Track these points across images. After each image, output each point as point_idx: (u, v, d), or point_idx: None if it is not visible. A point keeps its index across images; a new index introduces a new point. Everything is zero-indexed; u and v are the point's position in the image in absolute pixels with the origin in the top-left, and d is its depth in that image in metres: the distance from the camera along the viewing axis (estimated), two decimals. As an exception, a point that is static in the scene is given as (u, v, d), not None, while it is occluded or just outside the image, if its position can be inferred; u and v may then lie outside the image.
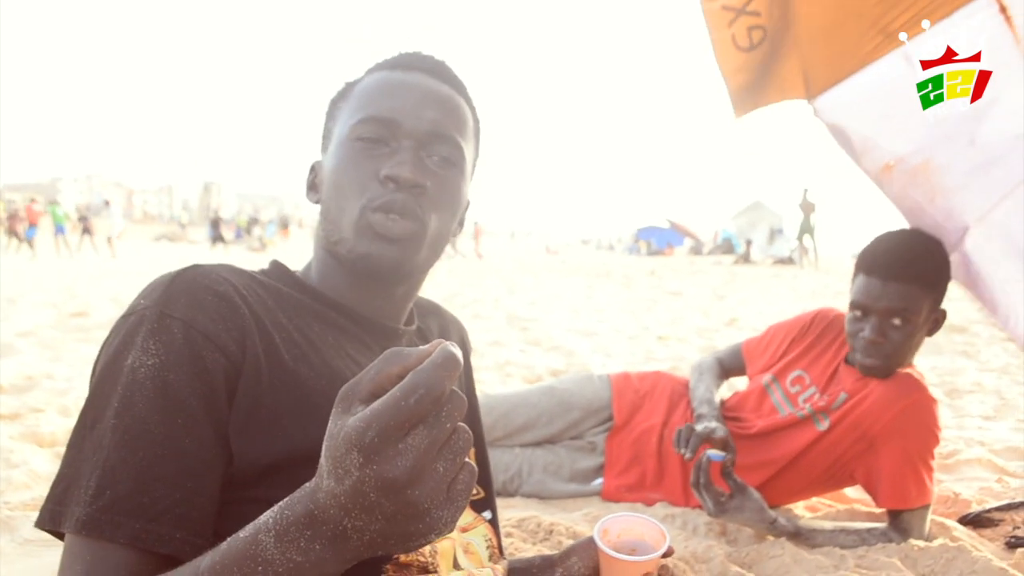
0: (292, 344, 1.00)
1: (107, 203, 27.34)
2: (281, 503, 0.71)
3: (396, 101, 1.10)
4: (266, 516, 0.71)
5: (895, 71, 2.08)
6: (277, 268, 1.15)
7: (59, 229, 23.32)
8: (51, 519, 0.86)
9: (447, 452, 0.64)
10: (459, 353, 0.64)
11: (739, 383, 2.68)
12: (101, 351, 0.94)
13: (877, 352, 2.11)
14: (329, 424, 0.66)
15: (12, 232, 23.02)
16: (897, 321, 2.07)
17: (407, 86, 1.12)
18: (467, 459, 0.66)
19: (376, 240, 1.06)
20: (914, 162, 2.22)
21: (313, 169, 1.21)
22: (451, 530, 0.67)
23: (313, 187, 1.20)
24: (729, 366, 2.69)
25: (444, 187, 1.11)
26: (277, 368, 0.96)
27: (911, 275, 2.05)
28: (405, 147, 1.08)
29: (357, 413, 0.63)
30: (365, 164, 1.08)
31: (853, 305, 2.15)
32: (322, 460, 0.66)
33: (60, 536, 0.89)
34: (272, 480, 0.93)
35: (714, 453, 1.99)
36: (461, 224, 1.24)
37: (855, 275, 2.17)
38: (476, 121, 1.21)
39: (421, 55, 1.17)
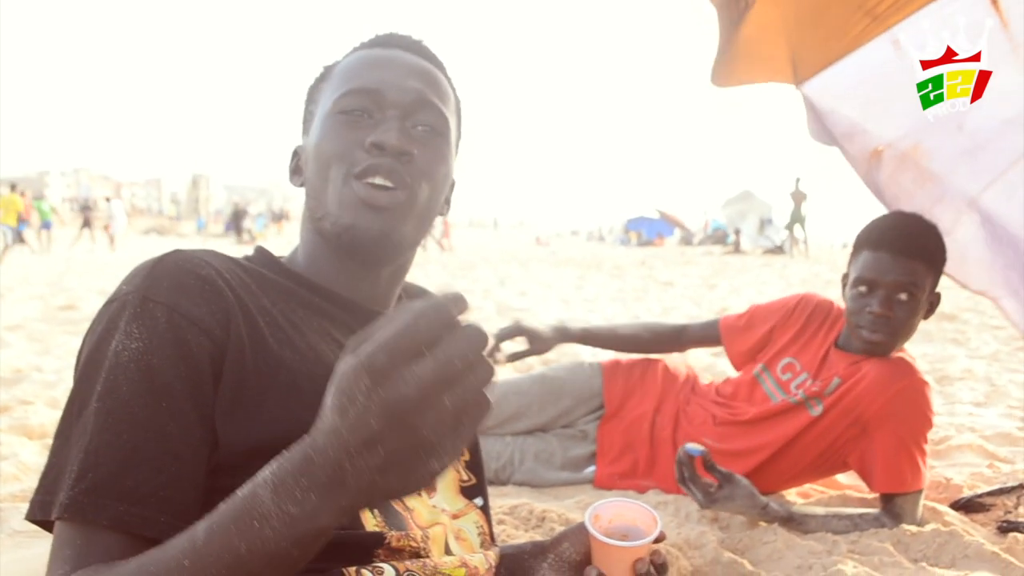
0: (276, 328, 0.99)
1: (108, 200, 27.12)
2: (278, 457, 0.70)
3: (379, 73, 1.09)
4: (264, 470, 0.71)
5: (883, 55, 2.08)
6: (262, 254, 1.14)
7: (45, 224, 23.05)
8: (41, 509, 0.85)
9: (457, 385, 0.63)
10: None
11: (726, 368, 2.67)
12: (85, 339, 0.93)
13: (884, 327, 2.10)
14: (338, 365, 0.66)
15: (87, 225, 22.90)
16: (904, 296, 2.07)
17: (389, 60, 1.11)
18: (485, 393, 0.65)
19: (362, 209, 1.04)
20: (903, 147, 2.22)
21: (296, 154, 1.19)
22: (453, 461, 0.66)
23: (297, 171, 1.18)
24: (697, 335, 2.70)
25: (432, 155, 1.09)
26: (262, 351, 0.95)
27: (917, 250, 2.06)
28: (390, 116, 1.07)
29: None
30: (349, 135, 1.06)
31: (858, 281, 2.13)
32: (326, 400, 0.66)
33: (50, 528, 0.88)
34: (257, 467, 0.91)
35: (692, 447, 1.99)
36: (448, 203, 1.22)
37: (857, 254, 2.16)
38: (457, 99, 1.20)
39: (399, 34, 1.16)
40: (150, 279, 0.92)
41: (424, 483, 0.66)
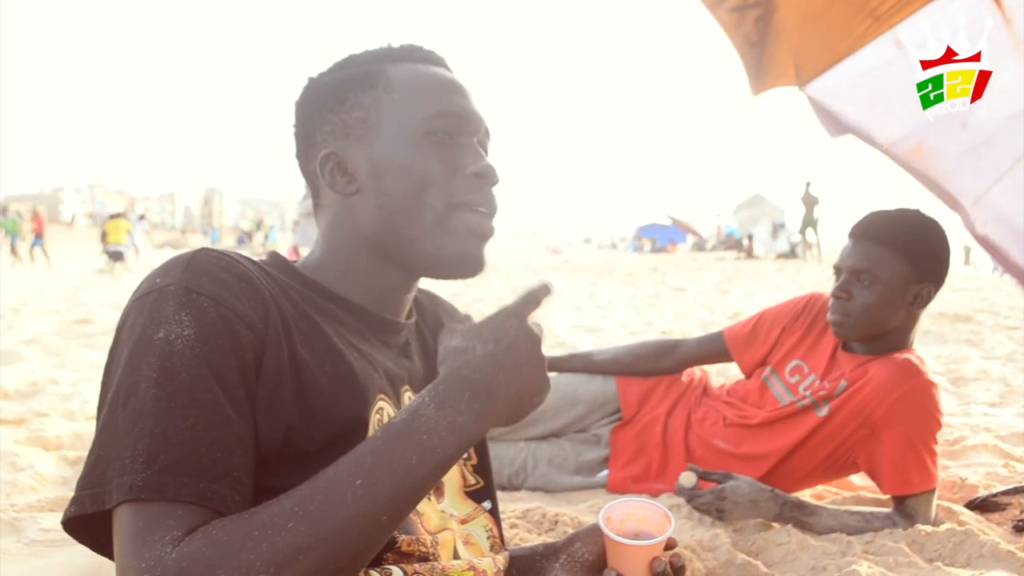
0: (299, 328, 1.00)
1: (139, 217, 27.10)
2: (422, 392, 0.91)
3: (457, 97, 1.11)
4: (414, 400, 0.90)
5: (885, 55, 2.08)
6: (276, 259, 1.13)
7: (14, 239, 22.06)
8: (93, 502, 0.83)
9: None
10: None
11: (738, 372, 2.66)
12: (121, 333, 0.92)
13: (840, 308, 2.18)
14: (467, 326, 0.96)
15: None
16: (865, 280, 2.13)
17: (453, 83, 1.13)
18: None
19: (471, 239, 1.09)
20: (907, 146, 2.22)
21: (329, 159, 1.11)
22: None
23: (345, 177, 1.10)
24: (694, 353, 2.67)
25: None
26: (290, 349, 0.96)
27: (879, 236, 2.12)
28: (476, 143, 1.11)
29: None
30: (444, 159, 1.08)
31: (834, 269, 2.23)
32: (470, 336, 0.93)
33: (84, 534, 0.89)
34: (280, 467, 0.93)
35: (684, 480, 2.12)
36: None
37: None
38: None
39: (434, 52, 1.17)
40: (189, 272, 0.92)
41: (533, 408, 0.96)
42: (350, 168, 1.10)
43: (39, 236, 22.40)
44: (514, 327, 0.93)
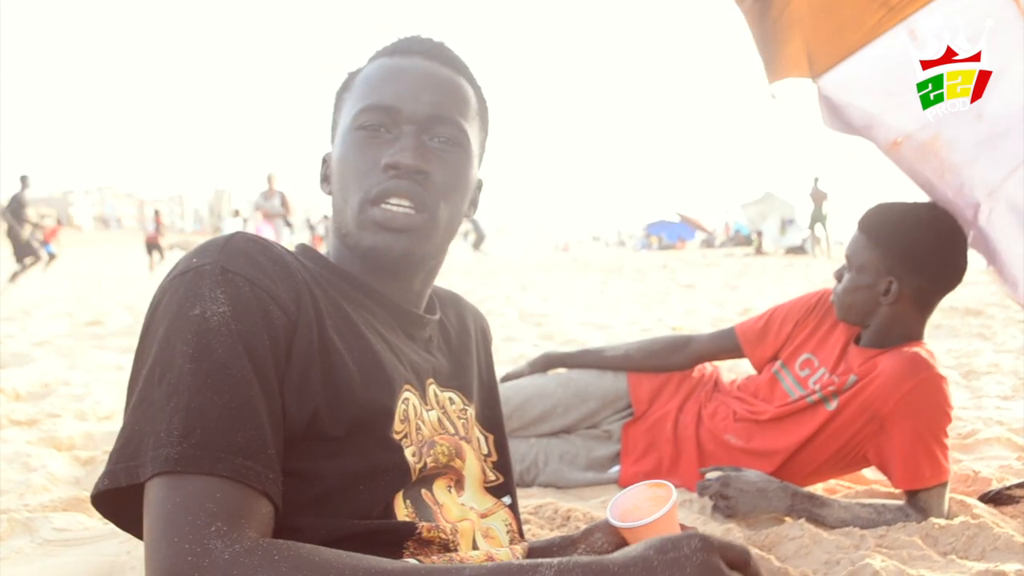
0: (329, 314, 1.00)
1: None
2: (572, 556, 0.84)
3: (395, 87, 1.09)
4: (553, 559, 0.81)
5: (899, 46, 2.07)
6: (305, 250, 1.15)
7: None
8: (127, 474, 0.83)
9: None
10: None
11: (749, 367, 2.65)
12: (156, 310, 0.93)
13: (833, 291, 2.32)
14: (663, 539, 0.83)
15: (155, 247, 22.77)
16: (846, 266, 2.25)
17: (406, 71, 1.11)
18: None
19: (380, 231, 1.06)
20: (922, 138, 2.21)
21: (324, 161, 1.20)
22: None
23: (326, 179, 1.19)
24: (706, 348, 2.66)
25: (449, 170, 1.10)
26: (321, 333, 0.97)
27: (862, 224, 2.20)
28: (407, 132, 1.08)
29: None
30: (367, 154, 1.08)
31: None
32: (639, 548, 0.81)
33: (112, 511, 0.89)
34: (305, 450, 0.94)
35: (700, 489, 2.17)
36: (474, 205, 1.23)
37: None
38: (481, 100, 1.21)
39: (419, 39, 1.16)
40: (225, 253, 0.93)
41: None
42: (329, 169, 1.17)
43: (47, 243, 22.41)
44: (694, 550, 0.80)
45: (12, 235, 12.46)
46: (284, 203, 14.17)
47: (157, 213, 21.38)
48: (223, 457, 0.81)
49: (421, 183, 1.06)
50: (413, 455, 1.03)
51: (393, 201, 1.05)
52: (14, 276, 12.19)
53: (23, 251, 12.47)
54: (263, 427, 0.86)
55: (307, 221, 21.48)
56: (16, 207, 12.60)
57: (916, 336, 2.21)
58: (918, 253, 2.12)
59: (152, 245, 21.04)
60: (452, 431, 1.16)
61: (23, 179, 12.87)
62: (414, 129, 1.08)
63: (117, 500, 0.87)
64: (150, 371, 0.88)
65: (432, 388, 1.16)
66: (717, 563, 0.79)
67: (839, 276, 2.28)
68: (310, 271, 1.04)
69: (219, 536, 0.76)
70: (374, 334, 1.06)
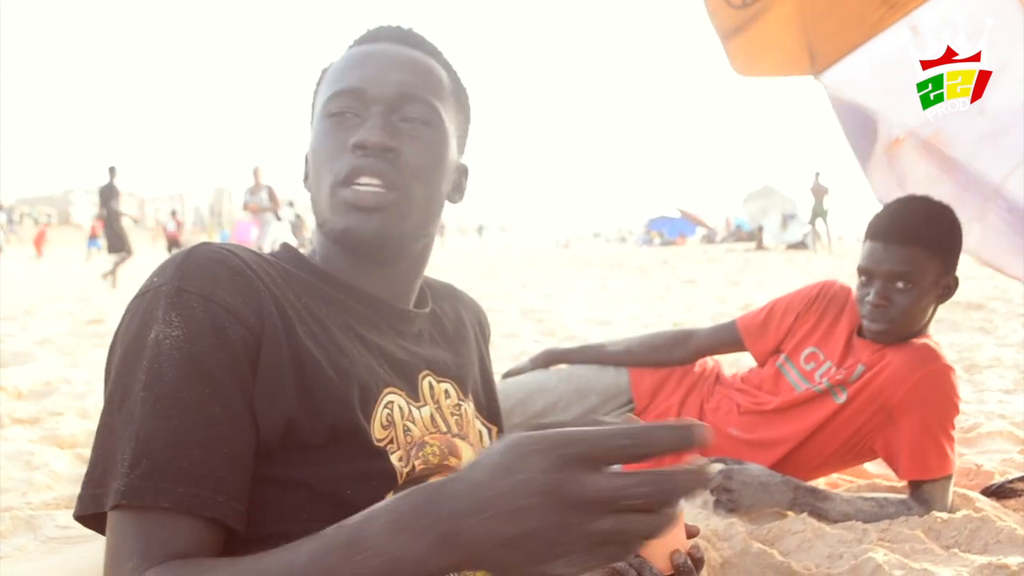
0: (302, 320, 0.99)
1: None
2: (403, 492, 0.71)
3: (361, 71, 1.08)
4: (384, 502, 0.72)
5: (901, 42, 2.07)
6: (287, 250, 1.14)
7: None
8: (93, 502, 0.85)
9: (622, 518, 0.61)
10: (707, 466, 0.64)
11: (751, 362, 2.65)
12: (119, 333, 0.94)
13: (882, 316, 2.10)
14: (510, 433, 0.66)
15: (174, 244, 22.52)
16: (901, 284, 2.06)
17: (373, 55, 1.10)
18: (637, 541, 0.63)
19: (351, 212, 1.04)
20: (924, 134, 2.21)
21: (306, 159, 1.18)
22: None
23: (307, 176, 1.17)
24: (708, 342, 2.64)
25: (421, 148, 1.07)
26: (291, 340, 0.95)
27: (912, 237, 2.04)
28: (375, 113, 1.06)
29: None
30: (336, 137, 1.06)
31: (859, 271, 2.15)
32: (485, 456, 0.66)
33: (96, 525, 0.89)
34: (285, 458, 0.93)
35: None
36: (459, 191, 1.21)
37: (863, 243, 2.16)
38: (456, 82, 1.18)
39: (388, 26, 1.15)
40: (182, 270, 0.92)
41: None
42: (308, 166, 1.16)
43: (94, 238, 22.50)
44: (532, 468, 0.61)
45: (110, 227, 12.37)
46: (272, 197, 13.71)
47: (174, 213, 21.41)
48: (165, 488, 0.82)
49: (391, 162, 1.04)
50: (400, 460, 1.02)
51: (363, 180, 1.03)
52: (106, 276, 12.14)
53: (118, 244, 12.40)
54: (212, 450, 0.86)
55: (298, 216, 21.33)
56: (108, 196, 12.48)
57: (924, 328, 2.21)
58: (959, 247, 2.11)
59: (173, 243, 21.07)
60: (445, 428, 1.14)
61: (111, 170, 12.70)
62: (382, 109, 1.06)
63: (99, 517, 0.87)
64: (110, 396, 0.90)
65: (428, 380, 1.14)
66: (571, 489, 0.61)
67: (886, 300, 2.07)
68: (288, 275, 1.03)
69: (131, 573, 0.79)
70: (352, 338, 1.05)
